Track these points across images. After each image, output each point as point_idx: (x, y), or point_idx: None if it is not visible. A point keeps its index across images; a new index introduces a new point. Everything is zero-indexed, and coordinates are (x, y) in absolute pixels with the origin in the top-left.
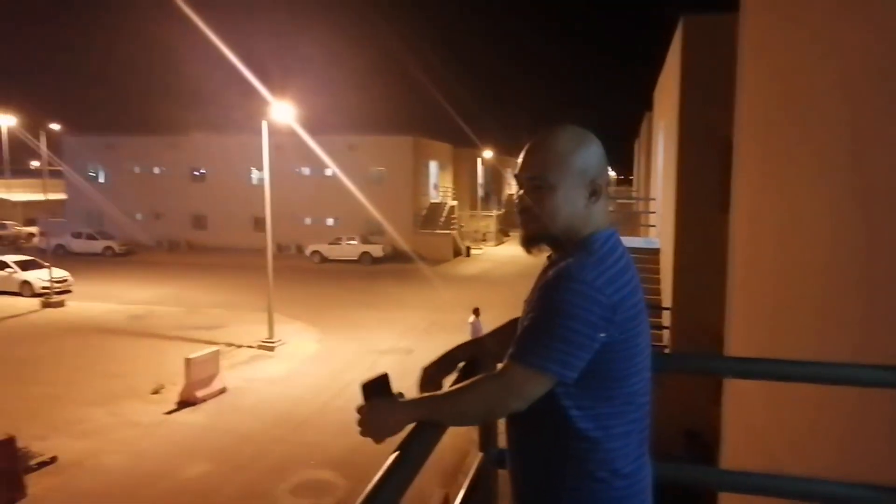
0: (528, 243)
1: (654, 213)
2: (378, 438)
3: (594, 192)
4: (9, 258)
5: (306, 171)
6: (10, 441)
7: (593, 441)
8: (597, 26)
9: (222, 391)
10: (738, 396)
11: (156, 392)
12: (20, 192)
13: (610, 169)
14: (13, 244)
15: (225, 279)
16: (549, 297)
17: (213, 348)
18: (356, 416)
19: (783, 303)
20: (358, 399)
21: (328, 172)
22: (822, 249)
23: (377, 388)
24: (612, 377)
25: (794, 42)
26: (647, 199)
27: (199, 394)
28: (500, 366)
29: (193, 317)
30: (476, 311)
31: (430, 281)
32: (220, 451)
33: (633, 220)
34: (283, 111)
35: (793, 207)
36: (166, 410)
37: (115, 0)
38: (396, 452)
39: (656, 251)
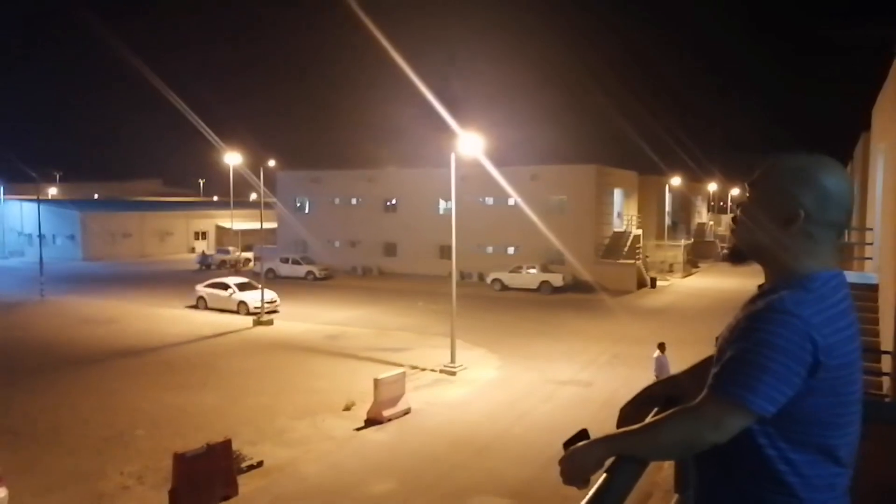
0: (732, 257)
1: (870, 244)
2: (580, 480)
3: (809, 222)
4: (230, 280)
5: (489, 200)
6: (228, 443)
7: (789, 487)
8: (803, 38)
9: (407, 412)
10: None
11: (347, 409)
12: (240, 222)
13: (853, 202)
14: (234, 268)
15: (412, 304)
16: (757, 327)
17: (400, 370)
18: (558, 469)
19: None
20: (539, 428)
21: (510, 202)
22: None
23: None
24: (814, 422)
25: None
26: (863, 229)
27: (386, 413)
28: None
29: (382, 339)
30: (661, 346)
31: (612, 312)
32: (405, 471)
33: (845, 253)
34: (470, 143)
35: None
36: (356, 427)
37: (322, 49)
38: (594, 488)
39: (874, 287)
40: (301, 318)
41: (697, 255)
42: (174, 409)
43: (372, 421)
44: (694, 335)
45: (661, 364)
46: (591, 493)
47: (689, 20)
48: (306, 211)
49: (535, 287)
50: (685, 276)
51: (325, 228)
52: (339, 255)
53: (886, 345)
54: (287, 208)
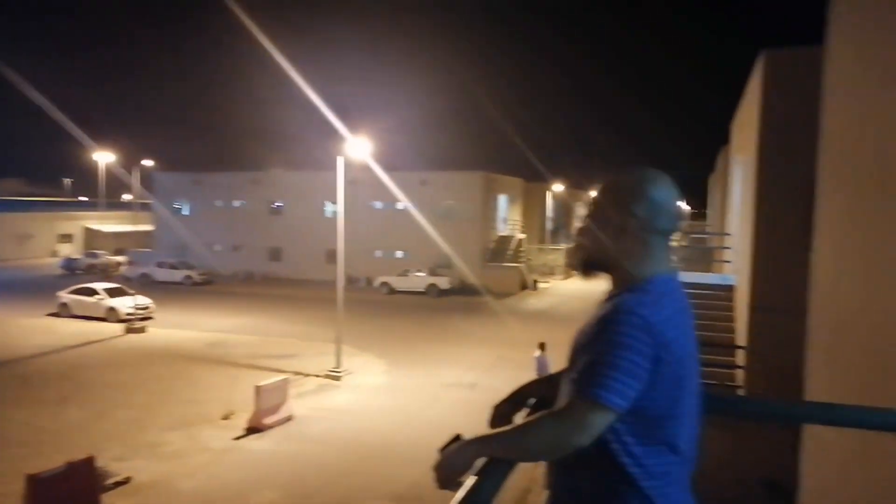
0: (581, 268)
1: (729, 248)
2: (451, 481)
3: (642, 230)
4: (98, 285)
5: (378, 205)
6: (90, 461)
7: (631, 479)
8: (675, 57)
9: (289, 419)
10: (819, 445)
11: (226, 418)
12: (112, 224)
13: (682, 210)
14: (103, 272)
15: (297, 310)
16: (606, 329)
17: (282, 377)
18: (433, 474)
19: (876, 347)
20: (424, 431)
21: (399, 206)
22: None
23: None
24: (656, 416)
25: (886, 78)
26: (722, 234)
27: (267, 421)
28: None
29: (265, 346)
30: (542, 346)
31: (497, 314)
32: (288, 480)
33: (706, 256)
34: (358, 147)
35: (884, 248)
36: (235, 436)
37: (204, 49)
38: (465, 489)
39: (730, 288)
40: (178, 326)
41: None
42: (29, 427)
43: (252, 429)
44: (571, 335)
45: (541, 363)
46: (461, 493)
47: (575, 31)
48: (186, 213)
49: (422, 290)
50: (565, 279)
51: (207, 232)
52: (220, 260)
53: (741, 340)
54: (165, 210)
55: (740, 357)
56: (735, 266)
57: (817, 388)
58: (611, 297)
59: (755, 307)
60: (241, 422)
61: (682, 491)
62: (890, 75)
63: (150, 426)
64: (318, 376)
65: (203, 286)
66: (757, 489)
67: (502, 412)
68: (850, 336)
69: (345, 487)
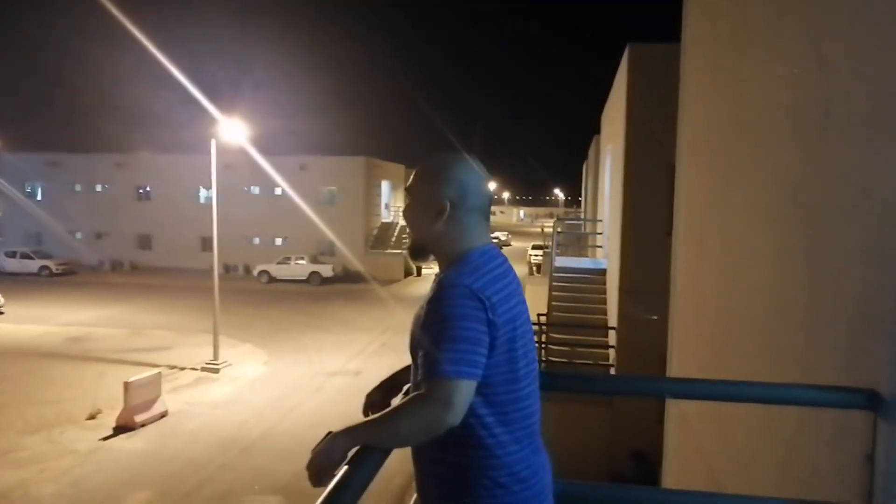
0: (411, 254)
1: (601, 234)
2: (328, 477)
3: (455, 210)
4: None
5: (256, 190)
6: None
7: (488, 448)
8: (550, 50)
9: (163, 415)
10: (680, 418)
11: (92, 417)
12: None
13: (489, 188)
14: None
15: (170, 300)
16: (439, 306)
17: (155, 371)
18: (307, 474)
19: (727, 326)
20: (308, 422)
21: (278, 192)
22: (762, 273)
23: None
24: (500, 381)
25: (731, 72)
26: (595, 220)
27: (138, 418)
28: None
29: (135, 339)
30: None
31: (382, 301)
32: (162, 479)
33: (581, 242)
34: (233, 130)
35: (734, 233)
36: (103, 436)
37: (58, 18)
38: (337, 477)
39: (603, 272)
40: (34, 320)
41: None
42: None
43: (122, 428)
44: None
45: None
46: (333, 483)
47: (455, 25)
48: (39, 198)
49: (304, 278)
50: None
51: (65, 218)
52: (82, 249)
53: (612, 321)
54: (15, 194)
55: (612, 337)
56: (607, 250)
57: (678, 364)
58: (437, 277)
59: (625, 289)
60: (110, 421)
61: (536, 452)
62: (733, 69)
63: (2, 431)
64: (194, 369)
65: (63, 277)
66: (627, 460)
67: (374, 400)
68: (706, 315)
69: (224, 483)
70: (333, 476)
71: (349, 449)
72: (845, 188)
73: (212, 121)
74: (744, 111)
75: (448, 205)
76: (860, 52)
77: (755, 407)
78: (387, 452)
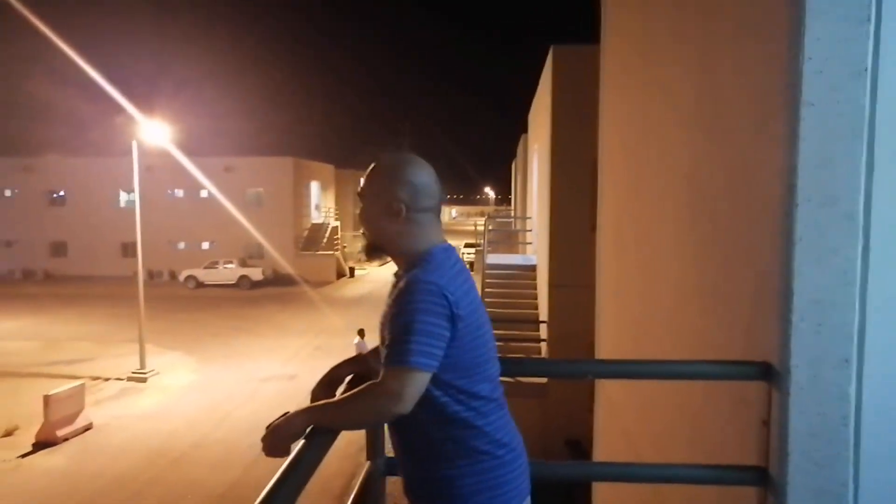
0: (367, 254)
1: (530, 231)
2: (282, 450)
3: (410, 211)
4: None
5: (180, 193)
6: None
7: (466, 421)
8: (478, 50)
9: (87, 428)
10: (608, 403)
11: (8, 434)
12: None
13: (440, 187)
14: None
15: (90, 310)
16: (405, 301)
17: (77, 383)
18: (262, 445)
19: (642, 312)
20: (242, 429)
21: (203, 194)
22: (668, 262)
23: None
24: (469, 364)
25: (644, 73)
26: (525, 218)
27: (60, 433)
28: None
29: (52, 351)
30: (361, 333)
31: (314, 304)
32: (87, 496)
33: (511, 239)
34: (154, 131)
35: (646, 225)
36: (20, 453)
37: None
38: (291, 457)
39: (533, 268)
40: None
41: None
42: None
43: (43, 444)
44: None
45: (361, 349)
46: (289, 459)
47: (381, 24)
48: None
49: (233, 282)
50: (381, 265)
51: None
52: None
53: (543, 315)
54: None
55: (544, 331)
56: (536, 247)
57: (604, 352)
58: (400, 276)
59: (554, 284)
60: (28, 437)
61: (509, 421)
62: (641, 72)
63: None
64: (119, 379)
65: None
66: (561, 448)
67: (317, 396)
68: (625, 304)
69: (154, 498)
70: (289, 449)
71: (305, 427)
72: (735, 183)
73: (130, 121)
74: (651, 111)
75: (403, 207)
76: (744, 62)
77: (668, 386)
78: (336, 435)
